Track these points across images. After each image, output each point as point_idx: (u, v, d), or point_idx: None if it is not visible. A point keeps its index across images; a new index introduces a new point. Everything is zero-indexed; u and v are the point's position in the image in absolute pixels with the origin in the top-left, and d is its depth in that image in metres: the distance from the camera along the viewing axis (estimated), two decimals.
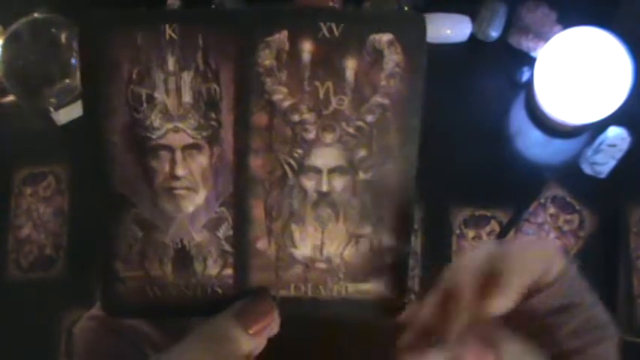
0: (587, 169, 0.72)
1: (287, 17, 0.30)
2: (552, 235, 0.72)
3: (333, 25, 0.30)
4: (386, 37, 0.31)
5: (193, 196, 0.33)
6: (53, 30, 0.69)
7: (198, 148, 0.33)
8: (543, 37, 0.73)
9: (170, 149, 0.33)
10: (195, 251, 0.34)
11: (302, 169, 0.32)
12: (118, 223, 0.33)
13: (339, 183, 0.32)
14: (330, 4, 0.74)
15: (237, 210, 0.32)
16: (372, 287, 0.32)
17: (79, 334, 0.40)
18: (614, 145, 0.71)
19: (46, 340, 0.74)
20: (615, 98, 0.67)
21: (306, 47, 0.31)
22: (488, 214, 0.73)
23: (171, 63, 0.32)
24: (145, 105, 0.32)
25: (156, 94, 0.32)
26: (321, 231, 0.32)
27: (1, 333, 0.74)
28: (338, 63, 0.31)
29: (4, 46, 0.68)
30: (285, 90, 0.31)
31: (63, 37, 0.69)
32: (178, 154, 0.33)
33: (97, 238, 0.33)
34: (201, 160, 0.33)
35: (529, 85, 0.72)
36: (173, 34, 0.32)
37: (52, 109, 0.75)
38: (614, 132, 0.71)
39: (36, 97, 0.72)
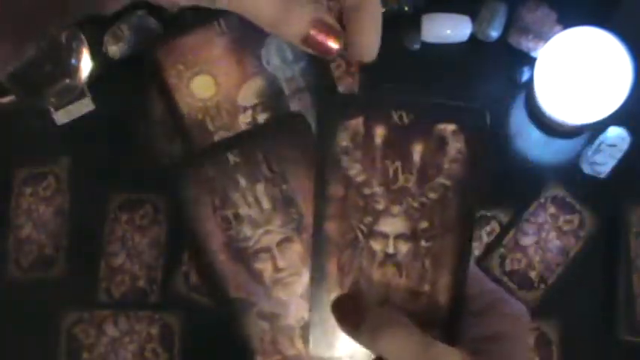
0: (587, 169, 0.72)
1: (363, 105, 0.35)
2: (552, 234, 0.72)
3: (404, 114, 0.35)
4: (450, 127, 0.35)
5: (299, 279, 0.39)
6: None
7: (290, 240, 0.38)
8: (543, 37, 0.73)
9: (267, 249, 0.38)
10: None
11: (371, 234, 0.36)
12: (246, 322, 0.38)
13: (403, 247, 0.36)
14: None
15: (314, 266, 0.36)
16: None
17: None
18: (614, 145, 0.71)
19: (46, 340, 0.74)
20: (615, 98, 0.67)
21: (379, 132, 0.35)
22: (489, 214, 0.73)
23: (242, 182, 0.37)
24: (233, 223, 0.38)
25: (240, 211, 0.38)
26: (386, 285, 0.37)
27: (0, 333, 0.74)
28: (406, 146, 0.35)
29: None
30: (358, 166, 0.36)
31: (63, 37, 0.69)
32: (275, 251, 0.38)
33: (235, 341, 0.39)
34: (296, 248, 0.39)
35: (529, 85, 0.73)
36: (236, 159, 0.37)
37: (52, 109, 0.75)
38: (614, 132, 0.71)
39: (36, 97, 0.72)
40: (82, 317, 0.74)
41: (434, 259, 0.36)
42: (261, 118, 0.36)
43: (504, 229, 0.72)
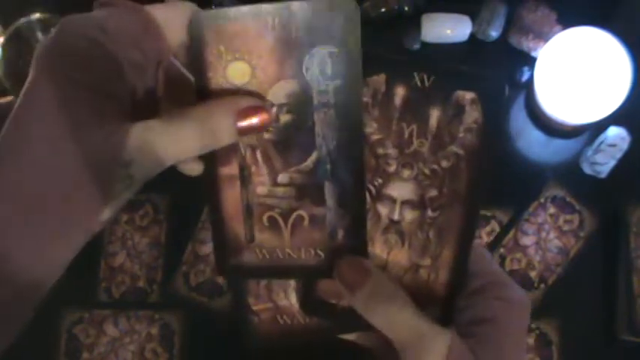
0: (587, 169, 0.72)
1: (387, 63, 0.35)
2: (552, 235, 0.72)
3: (425, 77, 0.35)
4: (469, 95, 0.35)
5: None
6: (53, 30, 0.69)
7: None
8: (543, 37, 0.73)
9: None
10: None
11: (379, 196, 0.36)
12: None
13: (409, 215, 0.36)
14: None
15: None
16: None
17: None
18: (614, 145, 0.71)
19: (46, 340, 0.74)
20: (615, 98, 0.67)
21: (399, 92, 0.35)
22: (488, 214, 0.73)
23: None
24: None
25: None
26: (387, 253, 0.36)
27: None
28: (424, 110, 0.35)
29: (4, 46, 0.68)
30: (375, 125, 0.35)
31: None
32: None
33: (229, 285, 0.39)
34: None
35: (529, 85, 0.73)
36: None
37: None
38: (614, 132, 0.71)
39: None
40: (82, 317, 0.74)
41: (438, 232, 0.35)
42: (284, 118, 0.36)
43: (504, 229, 0.72)
